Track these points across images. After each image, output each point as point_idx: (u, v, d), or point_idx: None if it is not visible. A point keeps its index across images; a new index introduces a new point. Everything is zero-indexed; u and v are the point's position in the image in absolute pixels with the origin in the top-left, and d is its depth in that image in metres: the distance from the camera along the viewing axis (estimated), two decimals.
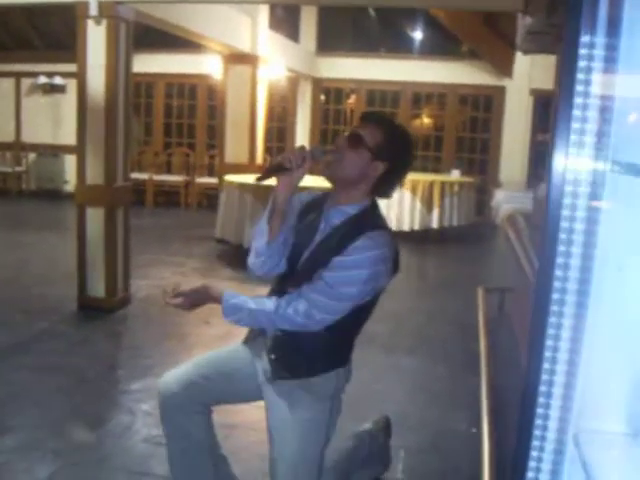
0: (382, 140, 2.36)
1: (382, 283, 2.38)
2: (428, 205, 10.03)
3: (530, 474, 1.37)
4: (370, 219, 2.39)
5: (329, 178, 2.44)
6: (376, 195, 2.45)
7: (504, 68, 11.54)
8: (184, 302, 2.38)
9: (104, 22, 5.40)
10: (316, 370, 2.47)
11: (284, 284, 2.46)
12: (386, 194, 2.47)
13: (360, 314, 2.44)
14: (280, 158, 2.36)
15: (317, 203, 2.54)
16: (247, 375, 2.58)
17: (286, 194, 2.37)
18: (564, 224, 1.45)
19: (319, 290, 2.31)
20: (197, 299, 2.40)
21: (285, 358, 2.46)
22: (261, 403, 2.57)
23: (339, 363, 2.53)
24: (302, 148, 2.37)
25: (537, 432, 1.35)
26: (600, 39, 1.38)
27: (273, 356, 2.47)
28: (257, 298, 2.40)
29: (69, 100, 11.56)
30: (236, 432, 3.49)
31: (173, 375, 2.54)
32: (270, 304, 2.36)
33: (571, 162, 1.45)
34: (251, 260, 2.50)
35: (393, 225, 10.02)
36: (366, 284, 2.31)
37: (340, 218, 2.40)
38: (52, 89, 12.72)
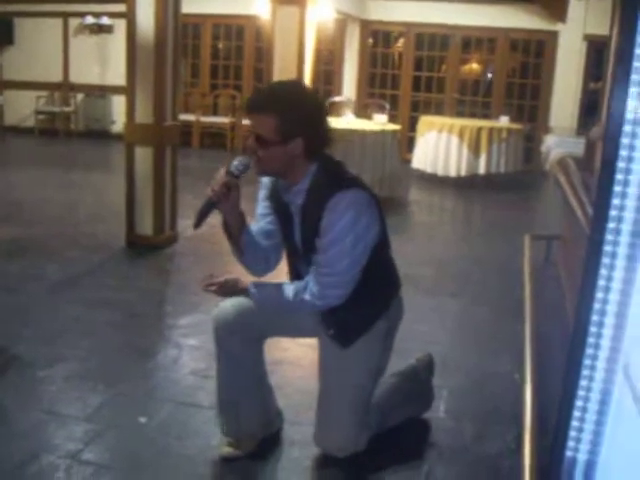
0: (279, 123, 2.28)
1: (374, 230, 2.42)
2: (475, 151, 9.88)
3: (579, 403, 1.38)
4: (325, 186, 2.37)
5: (267, 177, 2.55)
6: (316, 156, 2.42)
7: (557, 12, 11.17)
8: (217, 289, 2.54)
9: None
10: (374, 319, 2.56)
11: (297, 265, 2.62)
12: (323, 149, 2.44)
13: (379, 252, 2.51)
14: (206, 197, 2.41)
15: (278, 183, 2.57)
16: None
17: (233, 216, 2.49)
18: (621, 164, 1.43)
19: (321, 273, 2.39)
20: (228, 289, 2.55)
21: (344, 328, 2.54)
22: (304, 341, 2.62)
23: (390, 299, 2.63)
24: (221, 175, 2.38)
25: (587, 362, 1.36)
26: None
27: (332, 332, 2.54)
28: (279, 287, 2.52)
29: (116, 40, 11.58)
30: (280, 368, 3.55)
31: (231, 302, 2.60)
32: (290, 293, 2.47)
33: (630, 102, 1.43)
34: (249, 269, 2.66)
35: (439, 170, 9.96)
36: (355, 247, 2.35)
37: (301, 197, 2.44)
38: (100, 29, 12.70)
